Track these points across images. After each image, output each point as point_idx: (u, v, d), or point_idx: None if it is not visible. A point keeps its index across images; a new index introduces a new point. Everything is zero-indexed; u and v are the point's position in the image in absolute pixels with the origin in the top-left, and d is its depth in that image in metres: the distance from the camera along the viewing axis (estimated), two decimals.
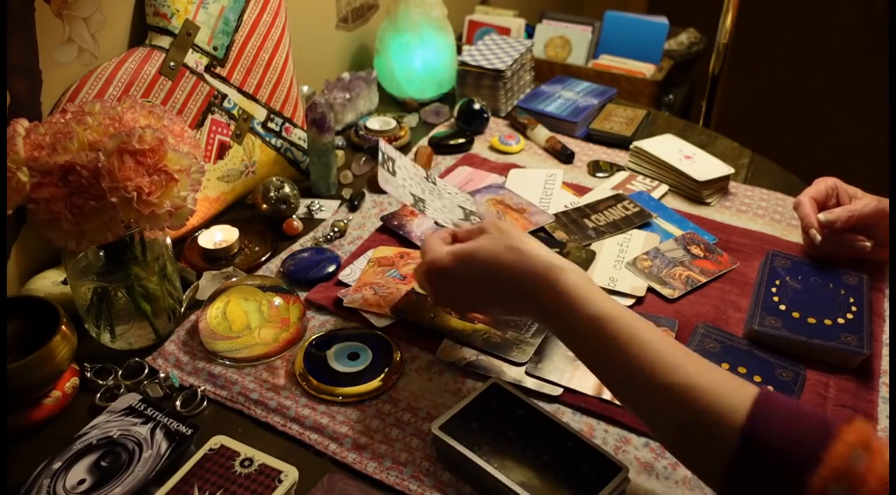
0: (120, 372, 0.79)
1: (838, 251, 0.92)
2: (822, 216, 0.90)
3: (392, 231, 1.01)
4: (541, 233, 1.00)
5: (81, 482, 0.65)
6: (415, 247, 0.98)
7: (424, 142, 1.25)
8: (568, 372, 0.78)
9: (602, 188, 1.12)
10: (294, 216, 1.04)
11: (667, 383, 0.58)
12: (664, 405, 0.59)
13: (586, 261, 0.94)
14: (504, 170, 1.17)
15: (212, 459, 0.66)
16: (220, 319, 0.82)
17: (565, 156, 1.20)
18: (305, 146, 1.11)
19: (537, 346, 0.81)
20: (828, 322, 0.82)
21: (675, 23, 1.82)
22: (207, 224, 1.02)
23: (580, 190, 1.12)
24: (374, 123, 1.25)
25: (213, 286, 0.89)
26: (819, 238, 0.90)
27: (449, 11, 1.37)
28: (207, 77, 0.98)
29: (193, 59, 0.96)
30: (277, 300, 0.85)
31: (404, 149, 1.24)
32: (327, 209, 1.07)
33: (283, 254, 0.98)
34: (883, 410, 0.75)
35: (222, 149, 1.02)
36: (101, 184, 0.67)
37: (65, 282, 0.85)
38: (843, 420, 0.53)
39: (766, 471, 0.53)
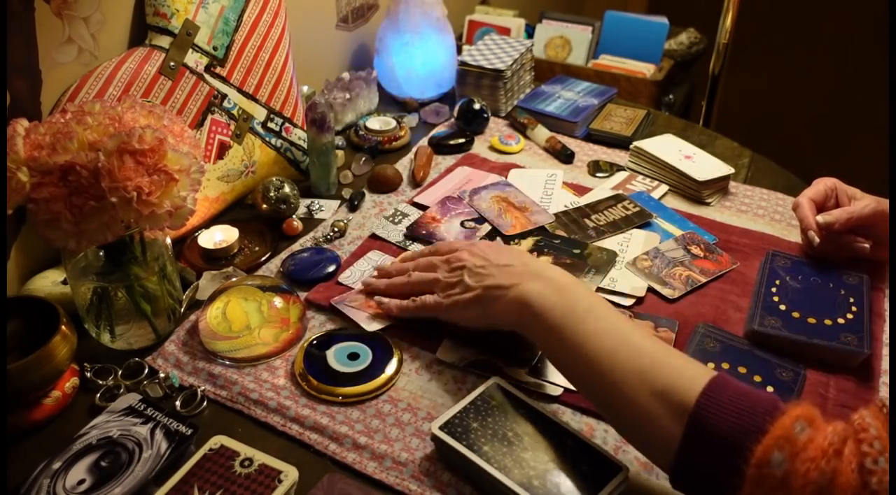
0: (120, 372, 0.79)
1: (837, 252, 0.92)
2: (820, 218, 0.90)
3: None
4: (558, 234, 1.00)
5: (81, 482, 0.65)
6: None
7: (424, 142, 1.25)
8: None
9: (602, 188, 1.12)
10: (294, 216, 1.04)
11: (629, 367, 0.62)
12: (624, 387, 0.62)
13: (607, 262, 0.94)
14: (504, 170, 1.17)
15: (212, 459, 0.66)
16: (220, 319, 0.82)
17: (565, 156, 1.20)
18: (305, 146, 1.11)
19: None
20: (828, 322, 0.82)
21: (675, 23, 1.82)
22: (207, 224, 1.02)
23: (580, 190, 1.12)
24: (374, 123, 1.25)
25: (213, 286, 0.89)
26: (817, 240, 0.90)
27: (449, 11, 1.37)
28: (207, 77, 0.98)
29: (193, 58, 0.96)
30: (277, 300, 0.85)
31: (404, 150, 1.24)
32: (327, 209, 1.07)
33: (283, 254, 0.98)
34: None
35: (222, 149, 1.02)
36: (100, 184, 0.67)
37: (65, 282, 0.85)
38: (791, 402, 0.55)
39: (713, 443, 0.55)
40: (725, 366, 0.78)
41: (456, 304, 0.78)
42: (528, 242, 0.98)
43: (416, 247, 0.98)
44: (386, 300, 0.85)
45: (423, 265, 0.85)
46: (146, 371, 0.80)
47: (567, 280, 0.73)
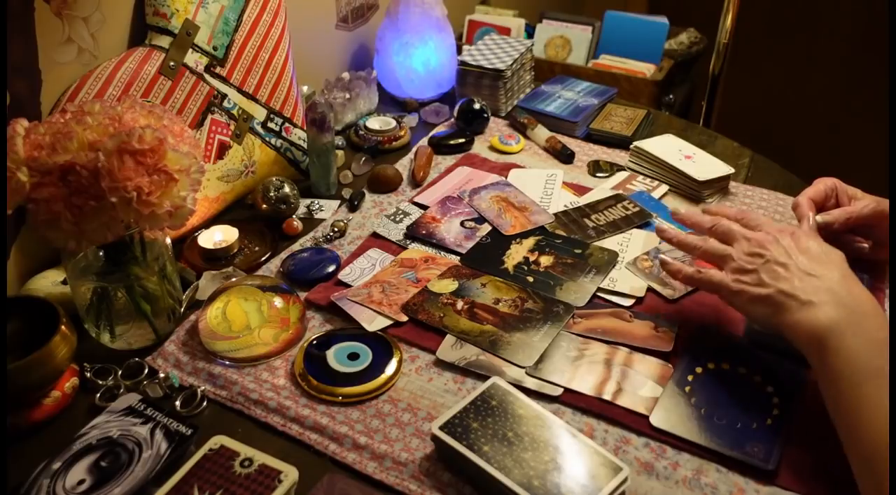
0: (120, 373, 0.79)
1: None
2: (819, 218, 0.89)
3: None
4: (559, 233, 1.00)
5: (81, 482, 0.65)
6: (449, 251, 0.98)
7: (424, 142, 1.25)
8: (568, 372, 0.78)
9: (602, 188, 1.12)
10: (294, 216, 1.04)
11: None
12: (876, 459, 0.58)
13: (608, 262, 0.94)
14: (504, 170, 1.17)
15: (211, 459, 0.66)
16: (220, 319, 0.82)
17: (565, 156, 1.20)
18: (305, 146, 1.11)
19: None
20: None
21: (675, 23, 1.82)
22: (207, 224, 1.02)
23: (580, 190, 1.12)
24: (374, 123, 1.25)
25: (212, 286, 0.89)
26: None
27: (449, 11, 1.37)
28: (207, 77, 0.98)
29: (193, 58, 0.96)
30: (277, 300, 0.85)
31: (404, 150, 1.24)
32: (327, 209, 1.07)
33: (283, 254, 0.98)
34: None
35: (222, 149, 1.01)
36: (100, 184, 0.67)
37: (64, 282, 0.85)
38: None
39: None
40: (725, 366, 0.78)
41: (742, 294, 0.73)
42: (530, 242, 0.98)
43: (416, 247, 0.98)
44: (669, 260, 0.82)
45: (722, 232, 0.79)
46: (146, 371, 0.80)
47: (876, 322, 0.65)
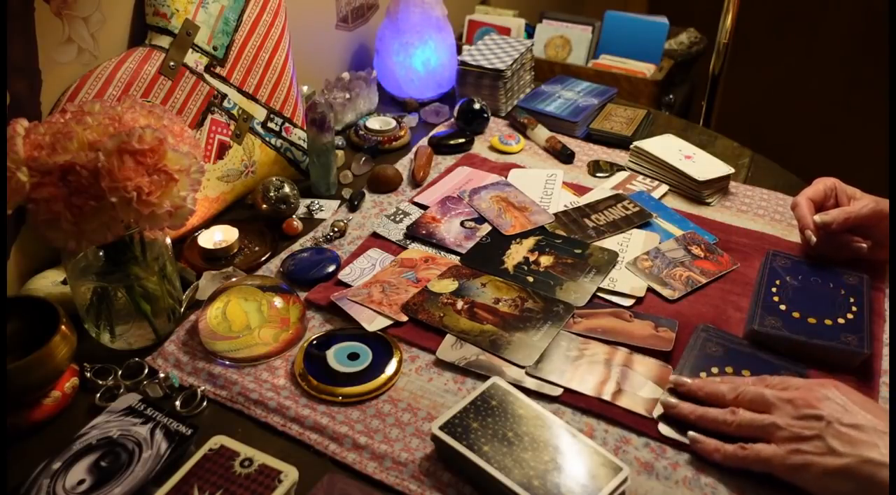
0: (120, 373, 0.79)
1: (835, 252, 0.92)
2: (817, 217, 0.90)
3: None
4: (559, 233, 1.00)
5: (81, 482, 0.65)
6: (449, 251, 0.98)
7: (424, 142, 1.25)
8: (568, 372, 0.78)
9: (602, 188, 1.12)
10: (294, 216, 1.04)
11: None
12: None
13: (608, 262, 0.94)
14: (504, 170, 1.17)
15: (211, 459, 0.66)
16: (220, 319, 0.82)
17: (565, 156, 1.20)
18: (305, 146, 1.11)
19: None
20: (828, 322, 0.82)
21: (675, 23, 1.82)
22: (207, 224, 1.02)
23: (580, 190, 1.12)
24: (374, 123, 1.25)
25: (212, 286, 0.89)
26: (814, 239, 0.90)
27: (449, 11, 1.37)
28: (207, 77, 0.98)
29: (193, 58, 0.96)
30: (277, 300, 0.85)
31: (404, 150, 1.24)
32: (327, 209, 1.07)
33: (283, 254, 0.98)
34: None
35: (222, 149, 1.01)
36: (100, 184, 0.67)
37: (64, 282, 0.85)
38: None
39: None
40: (729, 369, 0.78)
41: (810, 468, 0.61)
42: (530, 242, 0.98)
43: (416, 247, 0.98)
44: (702, 438, 0.69)
45: (751, 398, 0.68)
46: (146, 371, 0.79)
47: None
